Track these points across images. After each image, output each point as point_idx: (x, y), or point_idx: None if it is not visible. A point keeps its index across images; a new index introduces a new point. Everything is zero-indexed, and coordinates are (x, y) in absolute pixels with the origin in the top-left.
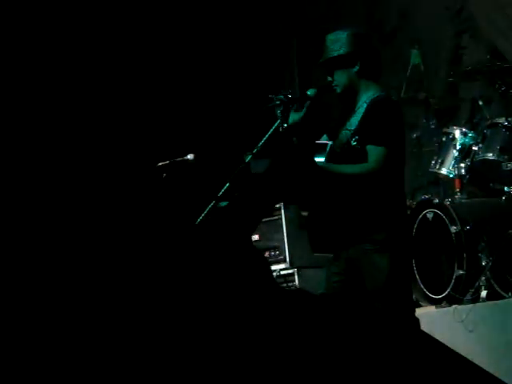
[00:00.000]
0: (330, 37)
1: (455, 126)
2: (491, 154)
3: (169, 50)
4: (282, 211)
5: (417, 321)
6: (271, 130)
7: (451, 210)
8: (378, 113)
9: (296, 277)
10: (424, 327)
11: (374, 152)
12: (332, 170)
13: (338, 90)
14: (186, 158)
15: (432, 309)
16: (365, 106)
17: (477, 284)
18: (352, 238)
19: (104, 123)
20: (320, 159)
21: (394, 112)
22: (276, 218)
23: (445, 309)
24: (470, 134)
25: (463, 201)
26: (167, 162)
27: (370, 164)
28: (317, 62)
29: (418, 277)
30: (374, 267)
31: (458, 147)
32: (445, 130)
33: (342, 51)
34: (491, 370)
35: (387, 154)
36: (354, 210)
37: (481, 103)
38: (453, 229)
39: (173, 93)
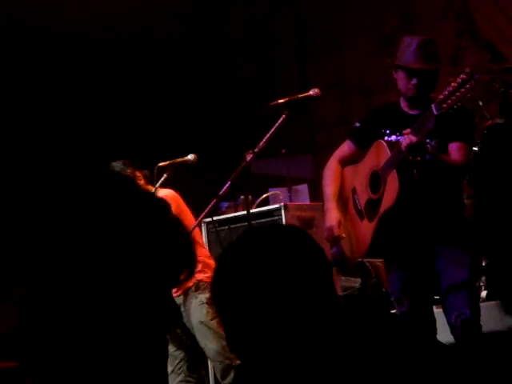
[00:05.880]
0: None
1: None
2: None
3: (169, 50)
4: (282, 211)
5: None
6: (272, 129)
7: None
8: None
9: None
10: None
11: None
12: None
13: None
14: (186, 158)
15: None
16: None
17: (477, 284)
18: (432, 236)
19: (104, 123)
20: None
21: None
22: (276, 217)
23: None
24: None
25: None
26: (167, 162)
27: None
28: (316, 62)
29: None
30: (455, 264)
31: None
32: None
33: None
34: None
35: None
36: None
37: (481, 103)
38: None
39: (174, 93)
